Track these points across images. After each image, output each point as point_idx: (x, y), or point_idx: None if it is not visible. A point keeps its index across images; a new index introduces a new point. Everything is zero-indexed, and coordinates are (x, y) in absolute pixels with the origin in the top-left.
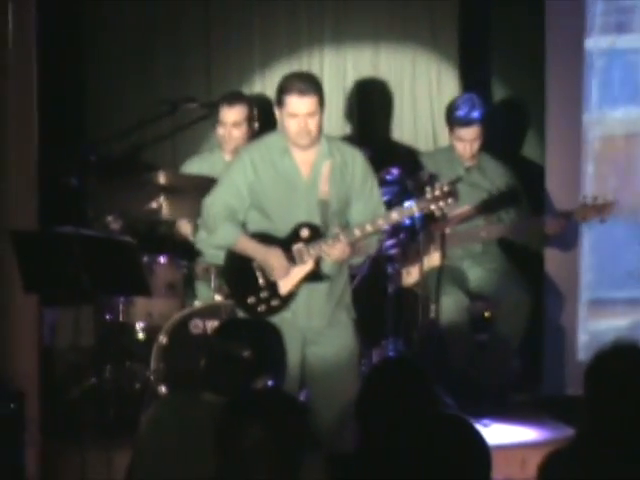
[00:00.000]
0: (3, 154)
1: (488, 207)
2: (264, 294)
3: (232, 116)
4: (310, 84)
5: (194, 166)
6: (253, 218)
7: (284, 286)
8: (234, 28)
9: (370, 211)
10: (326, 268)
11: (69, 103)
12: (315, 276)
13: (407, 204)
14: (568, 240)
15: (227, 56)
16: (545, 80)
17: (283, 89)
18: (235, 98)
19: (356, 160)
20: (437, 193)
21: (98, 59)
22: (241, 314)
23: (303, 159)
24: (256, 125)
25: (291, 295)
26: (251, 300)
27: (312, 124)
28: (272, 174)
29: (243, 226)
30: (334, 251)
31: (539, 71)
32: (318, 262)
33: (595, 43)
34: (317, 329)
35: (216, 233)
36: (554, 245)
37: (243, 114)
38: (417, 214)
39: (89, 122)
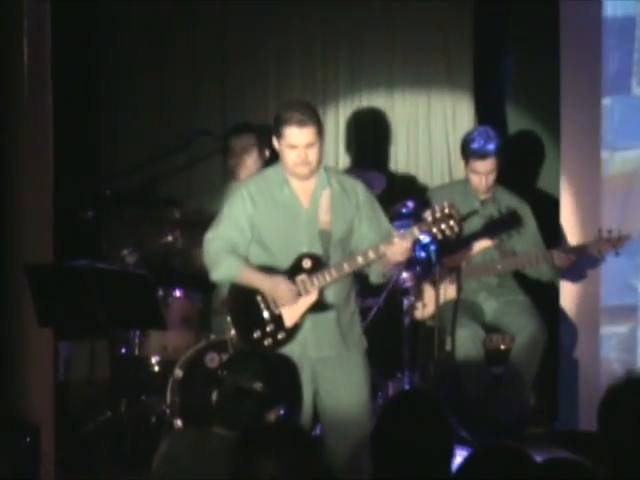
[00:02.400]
0: (19, 187)
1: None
2: (270, 327)
3: (240, 143)
4: (309, 115)
5: None
6: (254, 252)
7: (289, 318)
8: (249, 62)
9: (382, 236)
10: (330, 297)
11: (84, 136)
12: (320, 306)
13: (410, 229)
14: (584, 272)
15: (243, 94)
16: (560, 112)
17: (281, 120)
18: (242, 127)
19: (356, 188)
20: (438, 215)
21: (113, 92)
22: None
23: (302, 189)
24: (267, 153)
25: (297, 327)
26: (257, 335)
27: (312, 155)
28: (271, 206)
29: (246, 260)
30: (396, 250)
31: (555, 103)
32: (322, 292)
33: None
34: (327, 361)
35: (219, 267)
36: (570, 277)
37: (251, 141)
38: (419, 236)
39: (104, 155)
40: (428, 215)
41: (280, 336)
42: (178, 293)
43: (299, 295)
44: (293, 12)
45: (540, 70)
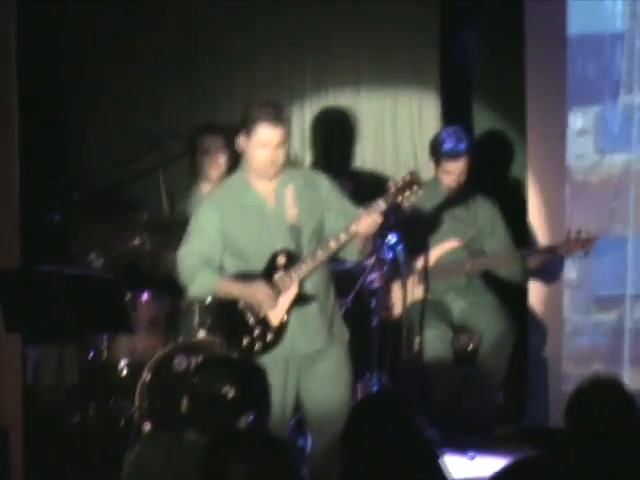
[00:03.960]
0: None
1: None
2: (257, 331)
3: (214, 143)
4: (280, 114)
5: None
6: (228, 261)
7: (275, 318)
8: (217, 67)
9: (349, 220)
10: (310, 290)
11: (51, 139)
12: (302, 300)
13: (375, 202)
14: (552, 273)
15: (210, 94)
16: (526, 112)
17: (253, 118)
18: (212, 127)
19: (318, 179)
20: (400, 184)
21: (79, 95)
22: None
23: (265, 189)
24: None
25: (283, 325)
26: (246, 341)
27: (281, 155)
28: (239, 212)
29: (221, 270)
30: (365, 224)
31: (521, 102)
32: (302, 285)
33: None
34: (314, 356)
35: (194, 283)
36: (537, 278)
37: (223, 141)
38: (384, 207)
39: (71, 159)
40: (391, 186)
41: (269, 338)
42: (146, 296)
43: (279, 294)
44: (260, 11)
45: (506, 70)
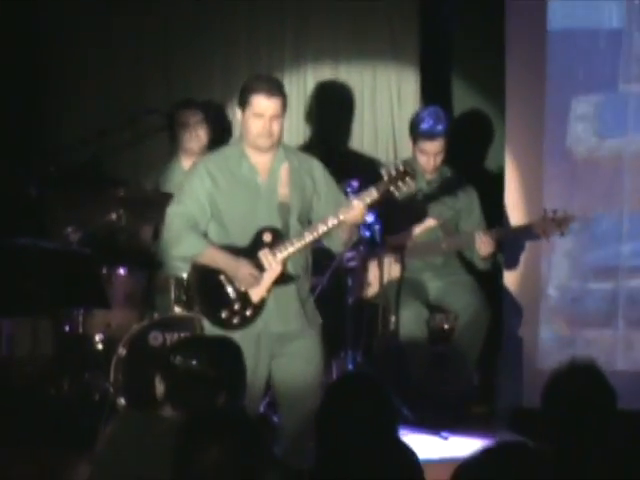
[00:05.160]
0: None
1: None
2: (237, 306)
3: (193, 117)
4: (277, 86)
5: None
6: (212, 229)
7: (256, 294)
8: (195, 41)
9: (338, 208)
10: (292, 270)
11: (27, 113)
12: (283, 279)
13: (367, 190)
14: (526, 252)
15: (188, 68)
16: (506, 92)
17: (249, 89)
18: (190, 102)
19: (313, 164)
20: (394, 174)
21: (57, 69)
22: (210, 329)
23: (261, 164)
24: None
25: (263, 302)
26: (225, 314)
27: (275, 127)
28: (230, 181)
29: (206, 237)
30: (355, 212)
31: (501, 83)
32: (285, 264)
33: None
34: (287, 337)
35: (181, 244)
36: (512, 257)
37: (201, 115)
38: (377, 196)
39: (49, 132)
40: (384, 174)
41: (248, 313)
42: (122, 271)
43: (262, 271)
44: None
45: (486, 47)
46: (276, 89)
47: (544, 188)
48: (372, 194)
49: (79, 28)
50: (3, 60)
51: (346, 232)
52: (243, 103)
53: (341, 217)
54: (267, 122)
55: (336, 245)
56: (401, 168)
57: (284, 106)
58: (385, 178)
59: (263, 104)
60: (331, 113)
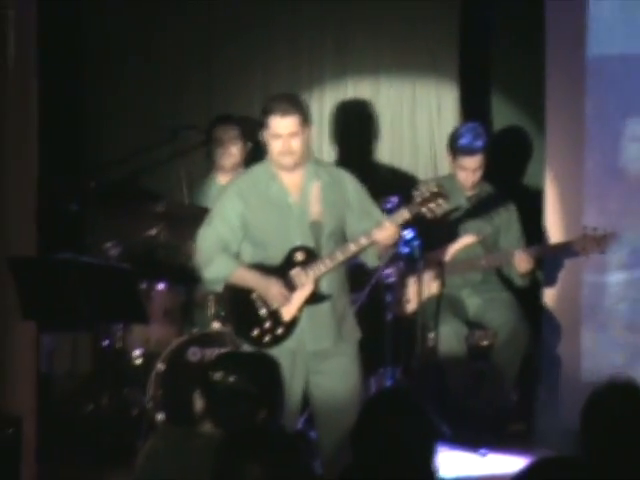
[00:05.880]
0: (2, 181)
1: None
2: (268, 324)
3: (226, 133)
4: (291, 104)
5: None
6: (246, 250)
7: (287, 313)
8: (235, 56)
9: (374, 225)
10: (325, 288)
11: (69, 130)
12: (316, 298)
13: (399, 212)
14: (566, 270)
15: (228, 83)
16: (546, 109)
17: (265, 110)
18: (226, 118)
19: (345, 179)
20: (426, 195)
21: (98, 86)
22: (245, 346)
23: (291, 182)
24: (249, 145)
25: (295, 321)
26: (256, 332)
27: (295, 144)
28: (261, 201)
29: (237, 258)
30: (388, 233)
31: (540, 99)
32: (317, 283)
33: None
34: (322, 354)
35: (211, 266)
36: (552, 275)
37: (235, 132)
38: (409, 217)
39: (89, 149)
40: (417, 196)
41: (279, 331)
42: (161, 286)
43: (294, 290)
44: (279, 0)
45: (526, 63)
46: (291, 107)
47: (585, 206)
48: (404, 215)
49: (120, 44)
50: (47, 76)
51: (380, 248)
52: (264, 125)
53: (372, 237)
54: (286, 141)
55: (371, 260)
56: (434, 189)
57: (303, 122)
58: (417, 200)
59: (278, 124)
60: (369, 128)
